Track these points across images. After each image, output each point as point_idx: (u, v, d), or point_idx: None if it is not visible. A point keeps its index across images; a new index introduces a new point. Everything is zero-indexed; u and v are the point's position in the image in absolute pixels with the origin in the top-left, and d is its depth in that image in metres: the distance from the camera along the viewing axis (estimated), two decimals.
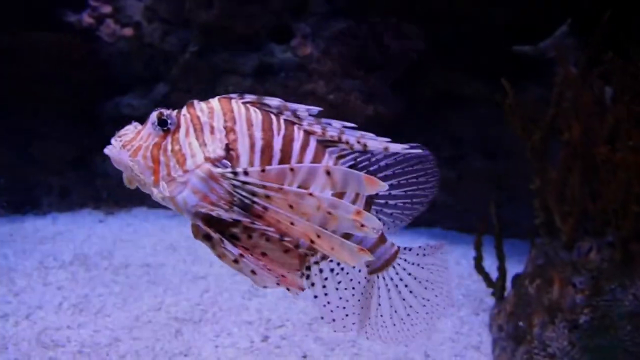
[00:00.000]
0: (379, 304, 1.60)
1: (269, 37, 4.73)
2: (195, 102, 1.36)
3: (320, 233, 1.26)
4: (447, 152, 4.75)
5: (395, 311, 1.61)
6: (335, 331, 1.58)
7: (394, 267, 1.59)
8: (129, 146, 1.31)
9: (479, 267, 3.15)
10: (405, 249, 1.62)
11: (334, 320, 1.53)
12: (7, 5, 5.01)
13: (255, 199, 1.26)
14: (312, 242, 1.28)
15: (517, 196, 4.54)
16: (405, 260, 1.61)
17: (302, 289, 1.36)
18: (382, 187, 1.28)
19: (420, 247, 1.64)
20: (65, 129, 4.99)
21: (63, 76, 4.79)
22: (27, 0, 5.10)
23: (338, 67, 4.57)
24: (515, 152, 4.65)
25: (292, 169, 1.27)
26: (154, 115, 1.33)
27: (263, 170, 1.27)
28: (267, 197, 1.25)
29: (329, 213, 1.26)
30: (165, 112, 1.33)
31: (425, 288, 1.62)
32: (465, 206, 4.79)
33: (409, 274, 1.61)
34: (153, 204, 5.11)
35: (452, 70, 4.53)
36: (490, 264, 3.28)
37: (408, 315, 1.61)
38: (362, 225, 1.27)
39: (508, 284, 3.09)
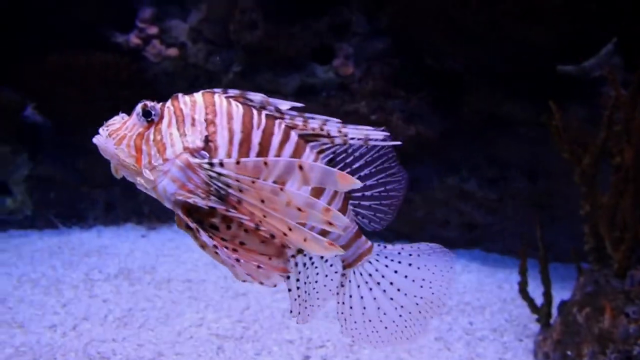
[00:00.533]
0: (354, 299, 1.60)
1: (311, 57, 4.80)
2: (180, 95, 1.42)
3: (291, 226, 1.30)
4: (488, 173, 4.69)
5: (367, 308, 1.59)
6: (297, 323, 1.58)
7: (370, 262, 1.58)
8: (115, 135, 1.37)
9: (524, 293, 3.09)
10: (385, 247, 1.61)
11: (299, 313, 1.55)
12: (59, 27, 5.24)
13: (230, 191, 1.31)
14: (284, 234, 1.32)
15: (558, 218, 4.45)
16: (385, 257, 1.60)
17: (287, 272, 1.37)
18: (356, 184, 1.31)
19: (412, 246, 1.62)
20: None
21: (111, 95, 4.95)
22: (77, 21, 5.32)
23: (380, 87, 4.60)
24: (557, 173, 4.57)
25: (266, 163, 1.30)
26: (139, 107, 1.40)
27: (238, 163, 1.31)
28: (241, 190, 1.29)
29: (299, 210, 1.29)
30: (150, 103, 1.39)
31: (412, 287, 1.59)
32: (507, 228, 4.71)
33: (392, 271, 1.60)
34: None
35: (494, 91, 4.49)
36: (534, 289, 3.21)
37: (385, 314, 1.58)
38: (331, 223, 1.30)
39: (553, 310, 3.02)
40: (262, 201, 1.30)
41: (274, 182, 1.32)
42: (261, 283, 1.38)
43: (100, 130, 1.40)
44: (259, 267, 1.34)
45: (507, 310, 3.70)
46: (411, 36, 4.47)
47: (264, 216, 1.31)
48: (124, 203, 5.25)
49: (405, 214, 4.81)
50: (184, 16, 5.61)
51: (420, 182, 4.75)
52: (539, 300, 3.16)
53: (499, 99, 4.52)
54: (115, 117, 1.42)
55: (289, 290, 1.55)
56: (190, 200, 1.33)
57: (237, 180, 1.30)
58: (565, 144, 2.65)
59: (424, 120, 4.57)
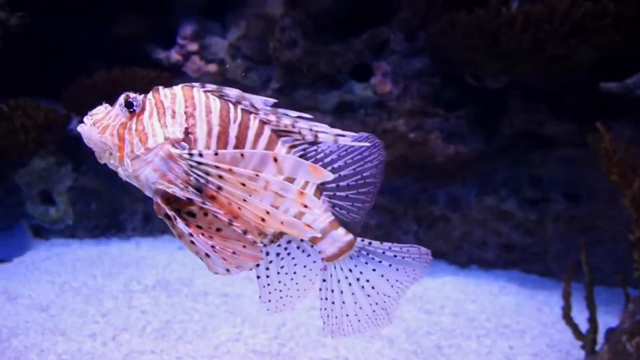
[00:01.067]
0: (335, 294, 1.65)
1: (349, 74, 4.82)
2: (160, 88, 1.47)
3: (269, 210, 1.36)
4: (528, 193, 4.62)
5: (347, 302, 1.65)
6: (267, 310, 1.64)
7: (351, 257, 1.61)
8: (99, 124, 1.42)
9: (568, 318, 3.01)
10: (370, 243, 1.64)
11: (269, 300, 1.61)
12: (103, 43, 5.41)
13: (209, 178, 1.36)
14: (262, 220, 1.36)
15: (601, 240, 4.34)
16: (367, 254, 1.63)
17: (260, 259, 1.42)
18: (327, 176, 1.35)
19: (401, 247, 1.64)
20: None
21: None
22: (121, 38, 5.48)
23: (418, 106, 4.59)
24: (600, 194, 4.47)
25: (242, 154, 1.36)
26: (121, 98, 1.43)
27: (216, 154, 1.37)
28: (220, 177, 1.35)
29: (276, 194, 1.35)
30: (132, 95, 1.43)
31: (384, 286, 1.65)
32: (547, 250, 4.61)
33: (370, 269, 1.64)
34: None
35: (536, 110, 4.43)
36: (576, 313, 3.12)
37: (360, 308, 1.65)
38: (305, 206, 1.35)
39: (599, 336, 2.93)
40: (243, 184, 1.35)
41: None
42: (236, 269, 1.41)
43: (85, 119, 1.43)
44: (233, 253, 1.37)
45: (547, 335, 3.60)
46: (451, 55, 4.45)
47: (244, 200, 1.36)
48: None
49: (442, 233, 4.76)
50: (223, 33, 5.73)
51: (458, 202, 4.70)
52: (581, 325, 3.08)
53: (541, 118, 4.46)
54: (99, 107, 1.47)
55: (258, 277, 1.61)
56: (169, 190, 1.39)
57: (217, 168, 1.35)
58: (614, 167, 2.59)
59: (463, 139, 4.54)
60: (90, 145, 1.45)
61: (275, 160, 1.35)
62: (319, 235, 1.46)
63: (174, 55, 5.61)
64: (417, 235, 4.84)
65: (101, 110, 1.46)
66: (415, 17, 4.67)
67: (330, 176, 1.36)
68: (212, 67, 5.54)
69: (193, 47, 5.62)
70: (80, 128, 1.43)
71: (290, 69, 4.87)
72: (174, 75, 5.39)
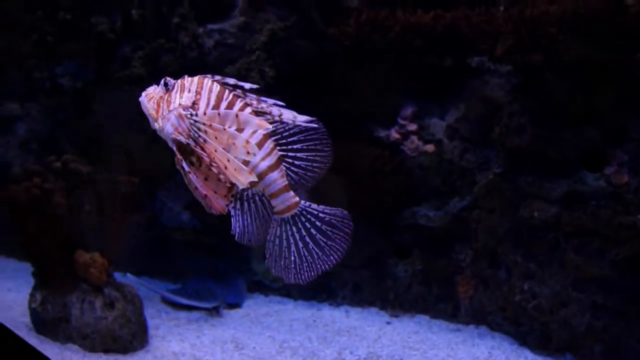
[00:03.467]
0: (278, 241, 2.20)
1: (580, 163, 4.59)
2: (186, 76, 2.12)
3: (229, 157, 2.01)
4: None
5: (291, 250, 2.18)
6: (237, 240, 2.18)
7: (295, 214, 2.17)
8: (149, 97, 2.14)
9: None
10: (310, 205, 2.18)
11: (238, 232, 2.18)
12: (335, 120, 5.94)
13: (199, 133, 2.05)
14: (226, 167, 2.01)
15: None
16: (308, 213, 2.18)
17: (223, 211, 2.09)
18: (268, 128, 2.06)
19: (330, 210, 2.20)
20: (365, 230, 5.50)
21: (376, 184, 5.37)
22: (346, 115, 5.97)
23: None
24: None
25: (219, 114, 2.06)
26: (162, 80, 2.13)
27: (205, 114, 2.08)
28: (205, 132, 2.05)
29: (233, 143, 2.03)
30: (169, 78, 2.12)
31: (318, 240, 2.18)
32: None
33: (308, 225, 2.18)
34: (436, 314, 5.21)
35: None
36: None
37: (295, 256, 2.18)
38: (249, 152, 2.03)
39: None
40: (216, 137, 2.04)
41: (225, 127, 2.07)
42: (209, 209, 2.09)
43: (143, 93, 2.15)
44: (207, 197, 2.07)
45: None
46: None
47: (215, 150, 2.02)
48: (370, 286, 5.51)
49: None
50: (441, 114, 5.92)
51: None
52: None
53: None
54: (151, 87, 2.16)
55: (232, 216, 2.18)
56: (179, 138, 2.07)
57: (203, 124, 2.06)
58: None
59: None
60: (144, 110, 2.15)
61: (237, 116, 2.03)
62: (255, 179, 2.06)
63: (394, 134, 5.92)
64: None
65: (152, 89, 2.16)
66: None
67: (270, 127, 2.05)
68: (430, 147, 5.72)
69: (412, 127, 5.88)
70: (140, 98, 2.14)
71: (515, 154, 4.81)
72: (393, 152, 5.67)
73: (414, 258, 5.43)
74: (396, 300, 5.35)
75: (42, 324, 4.46)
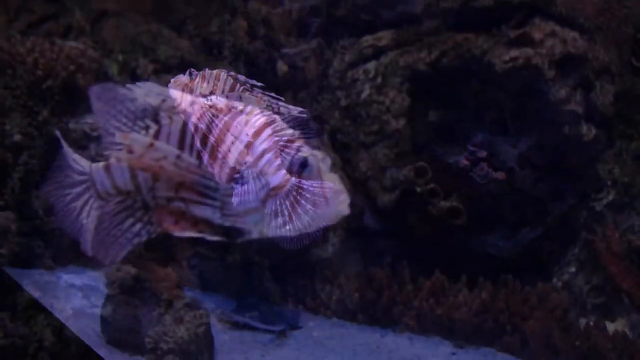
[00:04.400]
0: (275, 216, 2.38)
1: None
2: (207, 69, 2.39)
3: (233, 141, 2.34)
4: None
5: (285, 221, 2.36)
6: (235, 206, 2.40)
7: (288, 190, 2.35)
8: (176, 85, 2.42)
9: None
10: (300, 181, 2.35)
11: (237, 202, 2.39)
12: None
13: (210, 115, 2.34)
14: (229, 150, 2.34)
15: None
16: (299, 189, 2.34)
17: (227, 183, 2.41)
18: (269, 114, 2.35)
19: (321, 184, 2.38)
20: (434, 260, 5.42)
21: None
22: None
23: None
24: None
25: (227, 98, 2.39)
26: (188, 71, 2.40)
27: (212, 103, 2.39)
28: (213, 115, 2.35)
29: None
30: (193, 70, 2.41)
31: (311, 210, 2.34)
32: None
33: (301, 197, 2.34)
34: (502, 347, 5.03)
35: None
36: None
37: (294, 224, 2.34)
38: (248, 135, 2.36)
39: None
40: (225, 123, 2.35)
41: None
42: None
43: (172, 80, 2.42)
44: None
45: None
46: None
47: (222, 134, 2.34)
48: (435, 314, 5.37)
49: None
50: (513, 142, 5.78)
51: None
52: None
53: None
54: (179, 76, 2.43)
55: (233, 191, 2.45)
56: (193, 119, 2.35)
57: (211, 108, 2.37)
58: None
59: None
60: (171, 94, 2.44)
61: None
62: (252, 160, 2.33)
63: (463, 161, 5.82)
64: None
65: (179, 77, 2.44)
66: None
67: (273, 116, 2.34)
68: (500, 175, 5.58)
69: (482, 154, 5.76)
70: (170, 85, 2.41)
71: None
72: (462, 180, 5.58)
73: (482, 288, 5.28)
74: (461, 331, 5.19)
75: (112, 334, 4.57)
